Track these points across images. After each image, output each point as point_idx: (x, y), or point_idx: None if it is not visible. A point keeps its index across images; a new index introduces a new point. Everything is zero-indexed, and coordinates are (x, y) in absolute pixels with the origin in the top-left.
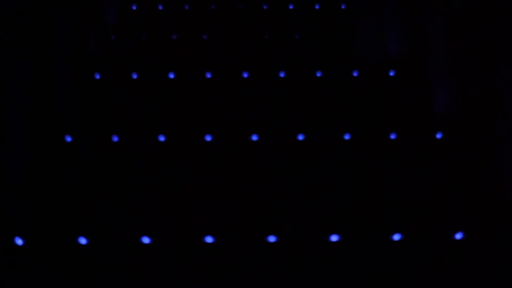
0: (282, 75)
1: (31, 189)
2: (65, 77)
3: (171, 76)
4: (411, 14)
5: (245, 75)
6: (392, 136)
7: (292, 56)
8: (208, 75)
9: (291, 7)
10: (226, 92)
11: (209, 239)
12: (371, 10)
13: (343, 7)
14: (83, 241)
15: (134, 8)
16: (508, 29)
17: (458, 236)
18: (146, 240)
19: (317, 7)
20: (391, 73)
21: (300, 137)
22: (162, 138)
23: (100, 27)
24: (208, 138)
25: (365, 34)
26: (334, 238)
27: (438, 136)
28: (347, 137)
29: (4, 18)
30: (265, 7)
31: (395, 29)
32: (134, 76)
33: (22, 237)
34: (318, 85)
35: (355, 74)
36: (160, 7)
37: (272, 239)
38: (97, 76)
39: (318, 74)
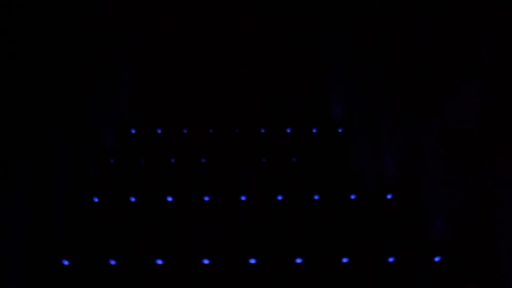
0: (279, 198)
1: None
2: (62, 201)
3: (169, 199)
4: (407, 138)
5: (243, 198)
6: (390, 259)
7: (290, 179)
8: (206, 198)
9: (288, 130)
10: (224, 215)
11: None
12: (367, 134)
13: (340, 130)
14: None
15: (133, 132)
16: (504, 154)
17: None
18: None
19: (314, 130)
20: (388, 196)
21: (298, 260)
22: (159, 262)
23: (99, 150)
24: (205, 261)
25: (362, 158)
26: None
27: (437, 259)
28: (345, 260)
29: (4, 141)
30: (262, 131)
31: (391, 153)
32: (132, 199)
33: None
34: (316, 209)
35: (352, 197)
36: (159, 131)
37: None
38: (96, 200)
39: (316, 197)
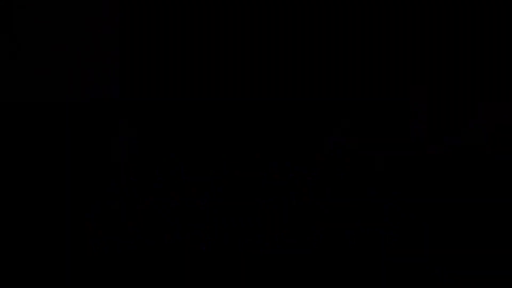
0: (278, 247)
1: None
2: (62, 253)
3: (170, 249)
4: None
5: (243, 246)
6: None
7: (290, 225)
8: (203, 248)
9: (290, 175)
10: (223, 264)
11: None
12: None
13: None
14: None
15: (133, 180)
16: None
17: None
18: None
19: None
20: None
21: None
22: None
23: (100, 197)
24: None
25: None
26: None
27: None
28: None
29: (5, 196)
30: (264, 174)
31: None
32: (133, 248)
33: None
34: (316, 258)
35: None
36: (159, 178)
37: None
38: (96, 249)
39: (316, 246)
